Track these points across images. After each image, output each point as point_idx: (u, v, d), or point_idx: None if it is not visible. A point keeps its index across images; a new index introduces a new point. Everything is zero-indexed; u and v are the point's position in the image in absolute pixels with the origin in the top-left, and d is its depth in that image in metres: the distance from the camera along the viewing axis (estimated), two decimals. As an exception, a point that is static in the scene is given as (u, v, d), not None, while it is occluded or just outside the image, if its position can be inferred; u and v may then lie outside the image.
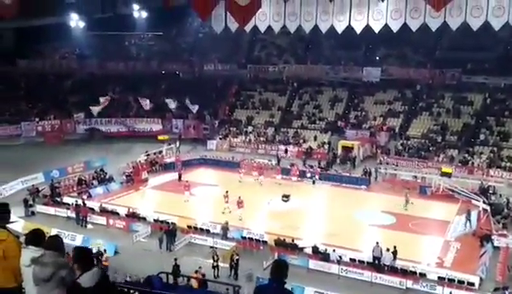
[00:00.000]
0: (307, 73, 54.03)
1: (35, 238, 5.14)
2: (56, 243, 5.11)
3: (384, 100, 49.81)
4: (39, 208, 29.84)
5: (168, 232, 25.00)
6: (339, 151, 43.04)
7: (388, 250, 22.44)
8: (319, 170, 38.72)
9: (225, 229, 25.61)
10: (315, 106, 52.00)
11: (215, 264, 21.65)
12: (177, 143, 44.63)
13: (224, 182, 36.17)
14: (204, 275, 19.98)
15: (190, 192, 32.74)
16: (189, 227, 26.32)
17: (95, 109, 48.20)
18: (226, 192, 29.47)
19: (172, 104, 52.28)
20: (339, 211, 30.46)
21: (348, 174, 38.08)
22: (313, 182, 36.60)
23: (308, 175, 37.22)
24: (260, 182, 36.31)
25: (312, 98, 52.99)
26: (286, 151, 45.23)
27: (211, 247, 24.58)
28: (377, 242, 22.79)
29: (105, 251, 22.63)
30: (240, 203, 28.42)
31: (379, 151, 43.08)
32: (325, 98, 52.82)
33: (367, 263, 22.55)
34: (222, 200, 29.92)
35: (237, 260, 21.94)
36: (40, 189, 32.12)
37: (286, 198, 32.10)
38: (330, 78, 53.60)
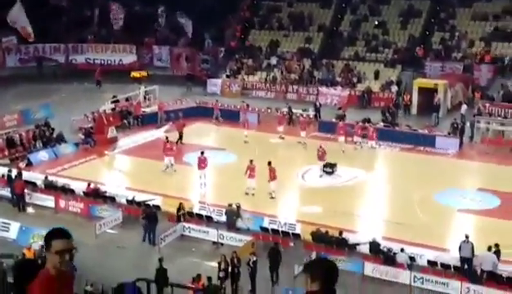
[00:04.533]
0: (365, -28, 53.13)
1: None
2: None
3: (488, 14, 48.77)
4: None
5: (149, 217, 25.62)
6: (415, 95, 42.73)
7: (489, 249, 22.48)
8: (381, 125, 38.48)
9: (232, 214, 25.90)
10: (377, 24, 51.27)
11: (221, 274, 21.93)
12: (141, 88, 44.52)
13: (235, 144, 36.35)
14: (205, 286, 20.34)
15: (176, 157, 32.81)
16: (180, 212, 26.70)
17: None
18: (251, 162, 29.57)
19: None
20: (411, 188, 30.39)
21: (427, 131, 37.89)
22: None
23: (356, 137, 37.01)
24: (281, 136, 37.57)
25: (373, 11, 52.20)
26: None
27: (214, 244, 24.88)
28: (466, 237, 22.81)
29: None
30: (252, 171, 29.03)
31: (478, 95, 42.58)
32: (393, 11, 51.98)
33: (455, 268, 22.71)
34: (234, 172, 30.04)
35: (254, 263, 22.20)
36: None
37: (331, 168, 32.19)
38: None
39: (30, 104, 41.85)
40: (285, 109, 41.08)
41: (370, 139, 36.30)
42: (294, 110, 41.15)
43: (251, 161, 29.57)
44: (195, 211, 27.22)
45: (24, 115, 39.97)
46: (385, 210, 28.88)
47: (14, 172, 29.97)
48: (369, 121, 38.65)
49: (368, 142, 36.47)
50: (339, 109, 42.03)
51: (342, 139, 36.01)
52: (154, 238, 25.15)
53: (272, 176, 28.89)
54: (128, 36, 55.09)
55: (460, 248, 22.82)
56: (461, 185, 31.57)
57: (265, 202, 28.46)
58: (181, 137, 36.86)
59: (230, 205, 26.29)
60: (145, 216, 25.74)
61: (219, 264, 21.97)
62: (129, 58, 54.93)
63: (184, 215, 26.22)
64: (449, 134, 37.26)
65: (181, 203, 26.53)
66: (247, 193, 28.94)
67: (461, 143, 36.80)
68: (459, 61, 46.35)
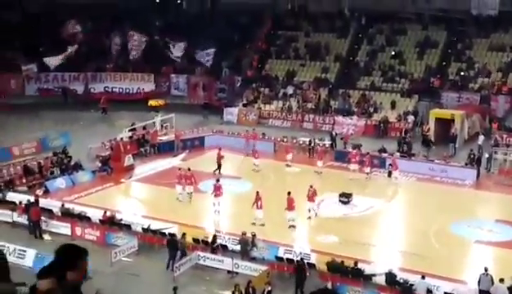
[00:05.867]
0: (382, 2, 53.27)
1: None
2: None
3: (506, 45, 48.73)
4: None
5: (171, 244, 25.78)
6: (432, 125, 42.67)
7: (501, 281, 22.26)
8: (398, 155, 38.43)
9: (246, 242, 25.82)
10: (393, 55, 51.39)
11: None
12: (158, 116, 44.29)
13: (250, 172, 36.44)
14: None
15: (196, 185, 32.87)
16: (196, 241, 26.66)
17: (52, 61, 48.74)
18: (257, 193, 29.55)
19: (176, 50, 52.48)
20: (428, 219, 30.23)
21: (444, 161, 37.76)
22: (389, 174, 36.53)
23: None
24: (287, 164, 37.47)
25: (389, 41, 52.34)
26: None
27: (229, 273, 24.84)
28: (485, 269, 22.65)
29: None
30: (259, 200, 28.79)
31: (495, 126, 42.41)
32: (411, 42, 52.09)
33: (472, 301, 22.47)
34: (250, 201, 30.08)
35: (269, 292, 22.14)
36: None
37: (346, 198, 32.11)
38: (419, 10, 52.80)
39: (49, 132, 42.23)
40: (307, 139, 41.01)
41: (394, 169, 36.12)
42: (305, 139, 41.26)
43: (257, 192, 29.48)
44: (211, 239, 27.18)
45: (43, 143, 40.29)
46: (401, 240, 28.71)
47: (32, 199, 30.20)
48: (385, 151, 38.62)
49: (383, 171, 36.47)
50: (341, 139, 41.91)
51: (354, 167, 36.14)
52: (174, 265, 25.21)
53: (290, 206, 28.75)
54: (146, 65, 55.68)
55: (479, 281, 22.58)
56: (478, 216, 31.34)
57: (280, 231, 28.34)
58: (219, 167, 36.50)
59: (244, 233, 26.23)
60: (167, 244, 25.87)
61: (233, 293, 21.92)
62: (147, 86, 55.46)
63: (218, 246, 26.12)
64: (466, 164, 37.07)
65: (215, 235, 26.54)
66: (263, 225, 28.75)
67: (478, 174, 36.55)
68: (476, 92, 46.24)
